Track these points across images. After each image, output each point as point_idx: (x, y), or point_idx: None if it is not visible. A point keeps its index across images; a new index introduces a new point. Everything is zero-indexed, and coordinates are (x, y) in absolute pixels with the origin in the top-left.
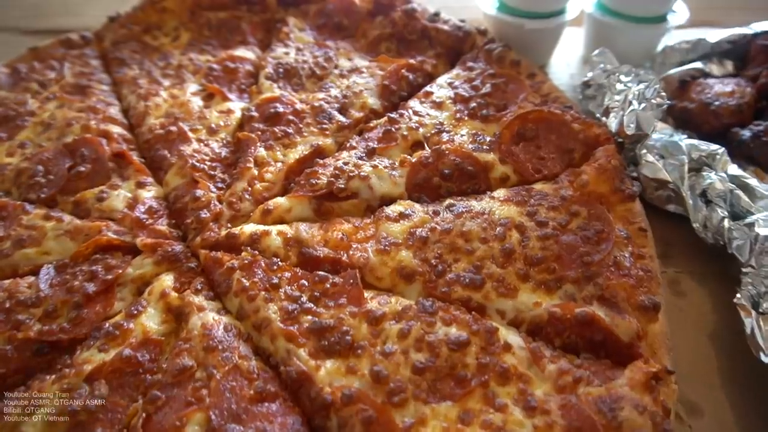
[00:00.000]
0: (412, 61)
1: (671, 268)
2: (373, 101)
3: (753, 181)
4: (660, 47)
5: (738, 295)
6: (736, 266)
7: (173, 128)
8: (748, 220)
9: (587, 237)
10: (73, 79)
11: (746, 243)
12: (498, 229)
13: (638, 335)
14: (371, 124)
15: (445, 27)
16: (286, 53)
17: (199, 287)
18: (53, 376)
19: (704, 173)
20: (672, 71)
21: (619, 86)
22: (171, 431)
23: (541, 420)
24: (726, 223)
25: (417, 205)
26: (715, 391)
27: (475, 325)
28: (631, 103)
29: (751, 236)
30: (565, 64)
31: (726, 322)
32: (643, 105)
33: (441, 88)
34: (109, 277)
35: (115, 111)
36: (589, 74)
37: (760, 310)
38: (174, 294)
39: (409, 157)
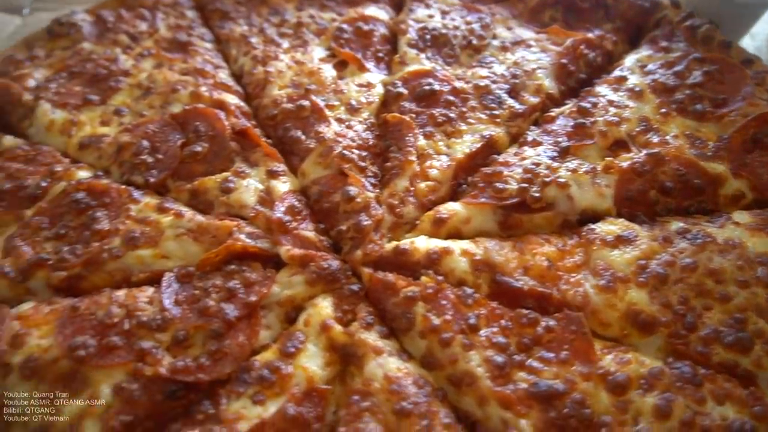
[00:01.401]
0: (590, 35)
1: None
2: (549, 84)
3: None
4: None
5: None
6: None
7: (305, 102)
8: None
9: None
10: (169, 33)
11: None
12: (760, 270)
13: None
14: (551, 114)
15: None
16: (430, 16)
17: (369, 320)
18: None
19: None
20: None
21: None
22: None
23: None
24: None
25: (636, 227)
26: None
27: (756, 406)
28: None
29: None
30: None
31: None
32: None
33: (632, 72)
34: (253, 298)
35: (225, 76)
36: None
37: None
38: (338, 328)
39: (615, 161)
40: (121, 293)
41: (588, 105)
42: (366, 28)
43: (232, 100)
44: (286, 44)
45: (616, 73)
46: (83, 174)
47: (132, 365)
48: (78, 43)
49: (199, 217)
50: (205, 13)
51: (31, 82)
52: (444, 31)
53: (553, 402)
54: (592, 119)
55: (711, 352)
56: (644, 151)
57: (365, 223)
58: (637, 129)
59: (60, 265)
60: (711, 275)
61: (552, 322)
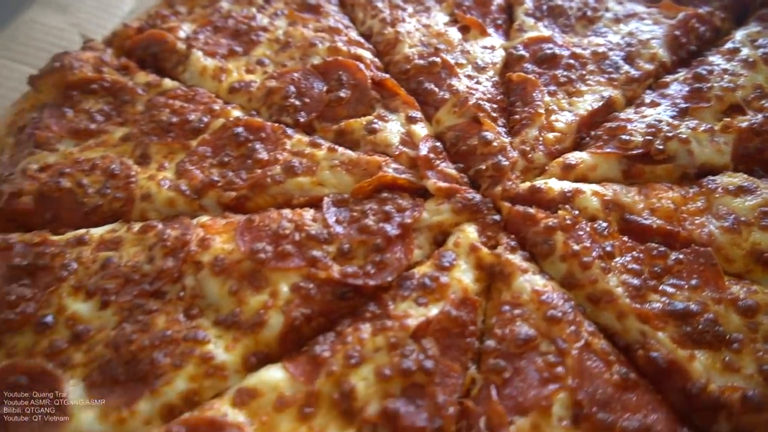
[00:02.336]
0: (700, 11)
1: None
2: (663, 53)
3: None
4: None
5: None
6: None
7: (436, 59)
8: None
9: None
10: None
11: None
12: None
13: None
14: (665, 80)
15: None
16: None
17: (512, 245)
18: (370, 327)
19: None
20: None
21: None
22: (534, 409)
23: None
24: None
25: (756, 179)
26: None
27: None
28: None
29: None
30: None
31: None
32: None
33: (744, 45)
34: (408, 220)
35: (355, 35)
36: None
37: None
38: (485, 249)
39: (734, 121)
40: (287, 211)
41: (704, 72)
42: None
43: (367, 54)
44: (410, 9)
45: (728, 45)
46: (237, 113)
47: (306, 269)
48: (217, 2)
49: (351, 153)
50: None
51: (182, 33)
52: (560, 2)
53: (687, 320)
54: (708, 84)
55: None
56: (761, 114)
57: (504, 162)
58: (752, 95)
59: (229, 186)
60: None
61: (681, 256)
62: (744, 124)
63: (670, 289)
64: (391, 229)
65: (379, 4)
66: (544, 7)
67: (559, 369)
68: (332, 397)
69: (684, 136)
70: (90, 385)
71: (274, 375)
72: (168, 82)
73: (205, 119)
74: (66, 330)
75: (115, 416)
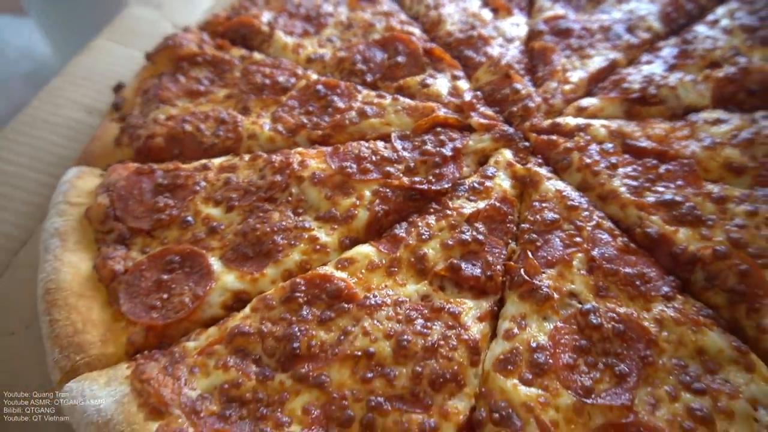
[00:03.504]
0: None
1: None
2: (657, 25)
3: None
4: None
5: None
6: None
7: (474, 33)
8: None
9: None
10: None
11: None
12: None
13: None
14: (659, 45)
15: None
16: None
17: (539, 162)
18: (434, 217)
19: None
20: None
21: None
22: (560, 262)
23: None
24: None
25: (731, 114)
26: None
27: None
28: None
29: None
30: None
31: None
32: None
33: (723, 17)
34: (459, 144)
35: (405, 18)
36: None
37: None
38: (519, 165)
39: (713, 73)
40: (365, 142)
41: (690, 38)
42: None
43: (416, 31)
44: None
45: (711, 17)
46: (315, 77)
47: (383, 180)
48: None
49: (410, 101)
50: None
51: (264, 19)
52: None
53: (674, 207)
54: (693, 47)
55: None
56: (734, 67)
57: (531, 105)
58: (729, 54)
59: (315, 126)
60: None
61: (669, 166)
62: (721, 74)
63: (660, 188)
64: (446, 151)
65: None
66: None
67: (577, 239)
68: (410, 260)
69: (672, 84)
70: (226, 261)
71: (365, 249)
72: (257, 55)
73: (292, 80)
74: (203, 226)
75: (249, 278)
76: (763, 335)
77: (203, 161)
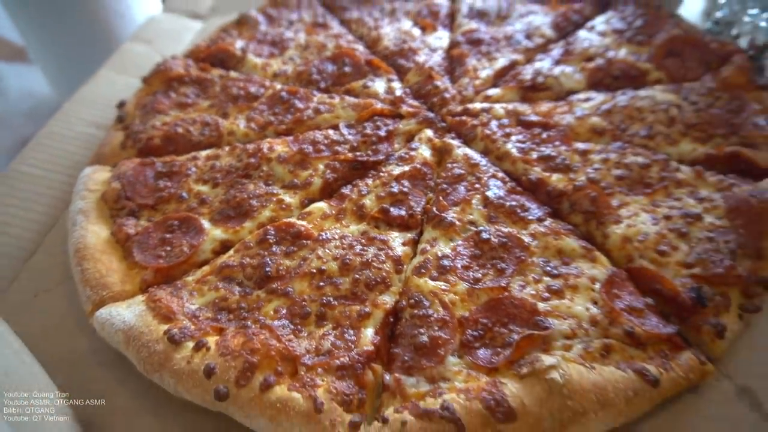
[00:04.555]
0: (575, 6)
1: None
2: (549, 32)
3: None
4: None
5: None
6: None
7: (405, 46)
8: None
9: (731, 109)
10: (311, 19)
11: None
12: (662, 105)
13: None
14: (550, 48)
15: None
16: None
17: (453, 137)
18: (371, 179)
19: None
20: None
21: (747, 19)
22: (463, 202)
23: (708, 204)
24: None
25: (598, 94)
26: None
27: (654, 156)
28: (758, 26)
29: None
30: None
31: None
32: None
33: (600, 23)
34: (391, 128)
35: (352, 38)
36: (718, 14)
37: None
38: (437, 139)
39: (587, 65)
40: (319, 132)
41: (572, 40)
42: (435, 9)
43: (360, 47)
44: (386, 20)
45: (590, 24)
46: (280, 86)
47: (332, 156)
48: (257, 26)
49: (354, 99)
50: (331, 7)
51: (238, 45)
52: (484, 8)
53: (550, 160)
54: (574, 47)
55: (633, 140)
56: (603, 59)
57: (447, 96)
58: (601, 50)
59: (280, 123)
60: (636, 110)
61: (551, 132)
62: (593, 65)
63: (543, 149)
64: (382, 133)
65: (366, 19)
66: (475, 11)
67: (477, 185)
68: (353, 209)
69: (556, 74)
70: (214, 221)
71: (319, 205)
72: (233, 73)
73: (261, 90)
74: (195, 199)
75: (232, 231)
76: (606, 240)
77: (193, 154)
